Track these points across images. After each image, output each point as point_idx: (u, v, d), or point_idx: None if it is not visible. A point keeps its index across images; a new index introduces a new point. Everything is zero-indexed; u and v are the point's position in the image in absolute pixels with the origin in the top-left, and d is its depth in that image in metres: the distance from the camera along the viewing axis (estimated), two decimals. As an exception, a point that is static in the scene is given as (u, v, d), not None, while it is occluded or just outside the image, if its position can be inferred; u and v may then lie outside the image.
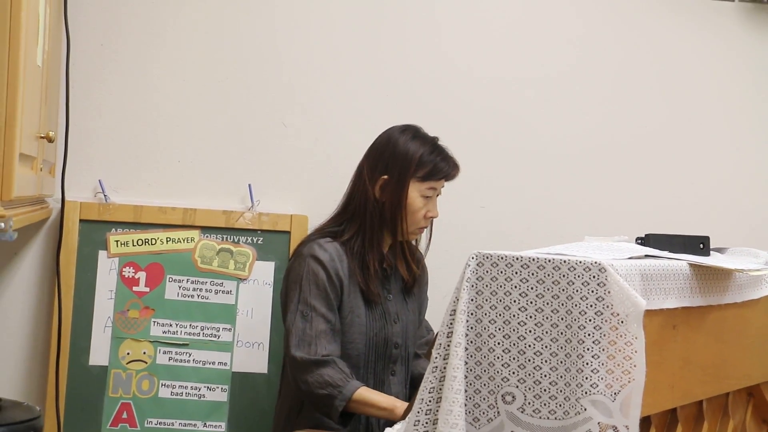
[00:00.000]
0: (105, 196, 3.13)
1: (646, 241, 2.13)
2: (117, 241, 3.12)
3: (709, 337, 2.01)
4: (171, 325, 3.12)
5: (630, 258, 1.81)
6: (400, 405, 2.51)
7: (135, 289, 3.11)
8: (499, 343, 1.69)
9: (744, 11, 3.59)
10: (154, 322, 3.11)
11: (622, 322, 1.62)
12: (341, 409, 2.51)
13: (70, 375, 3.05)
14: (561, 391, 1.64)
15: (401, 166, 2.68)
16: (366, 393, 2.53)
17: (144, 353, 3.10)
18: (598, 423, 1.61)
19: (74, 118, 3.05)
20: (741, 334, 2.18)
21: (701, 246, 2.18)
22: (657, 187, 3.52)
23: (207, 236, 3.16)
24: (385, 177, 2.69)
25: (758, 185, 3.59)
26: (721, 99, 3.59)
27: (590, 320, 1.62)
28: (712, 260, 2.01)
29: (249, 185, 3.20)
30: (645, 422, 1.74)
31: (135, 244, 3.13)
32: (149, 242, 3.13)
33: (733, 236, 3.18)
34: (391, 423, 2.68)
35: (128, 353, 3.09)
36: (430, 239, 2.86)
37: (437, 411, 1.71)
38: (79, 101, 3.10)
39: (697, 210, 3.51)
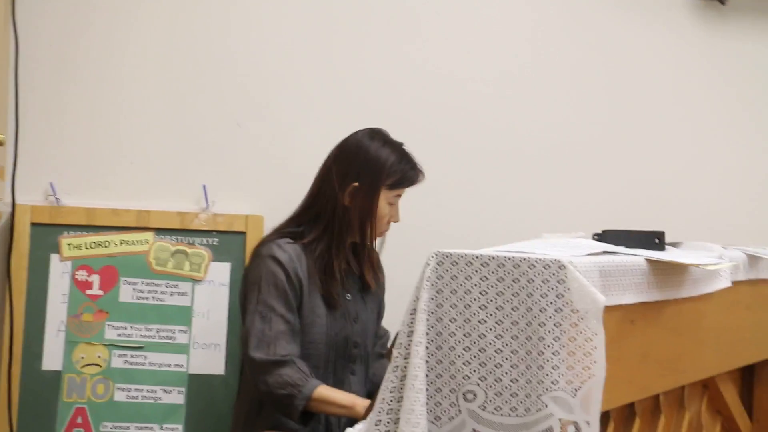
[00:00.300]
0: (56, 198, 3.09)
1: (602, 237, 2.14)
2: (69, 244, 3.08)
3: (666, 331, 2.02)
4: (126, 328, 3.08)
5: (588, 255, 1.82)
6: (360, 402, 2.51)
7: (88, 292, 3.08)
8: (459, 342, 1.69)
9: (693, 7, 3.62)
10: (109, 325, 3.08)
11: (582, 318, 1.62)
12: (302, 408, 2.50)
13: (23, 380, 3.01)
14: (522, 388, 1.64)
15: (373, 175, 2.68)
16: (325, 391, 2.52)
17: (98, 357, 3.06)
18: (559, 419, 1.61)
19: (24, 120, 3.02)
20: (696, 328, 2.20)
21: (656, 241, 2.19)
22: (612, 182, 3.54)
23: (161, 238, 3.14)
24: (356, 184, 2.69)
25: (711, 179, 3.63)
26: (673, 94, 3.62)
27: (550, 317, 1.62)
28: (668, 255, 2.03)
29: (203, 186, 3.18)
30: (604, 417, 1.75)
31: (88, 246, 3.09)
32: (102, 245, 3.10)
33: (687, 230, 3.22)
34: (352, 422, 2.68)
35: (82, 357, 3.05)
36: (383, 240, 2.87)
37: (399, 410, 1.71)
38: (28, 103, 3.06)
39: (652, 205, 3.54)
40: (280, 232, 2.73)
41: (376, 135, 2.75)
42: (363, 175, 2.69)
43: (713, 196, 3.62)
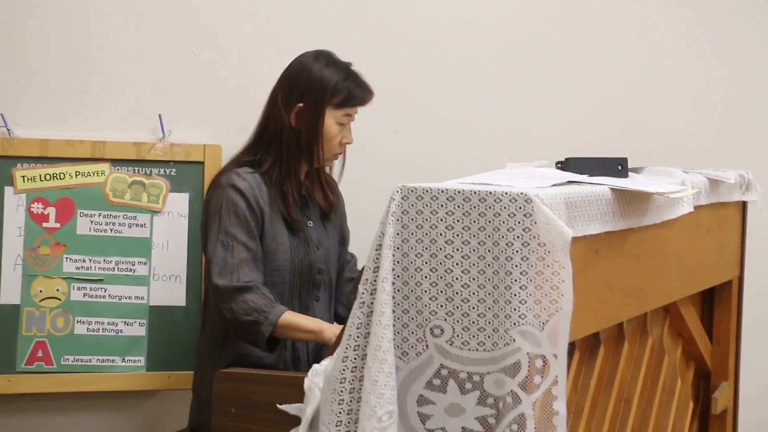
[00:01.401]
0: (8, 130, 3.03)
1: (565, 165, 2.13)
2: (23, 177, 3.02)
3: (630, 259, 2.03)
4: (84, 261, 3.05)
5: (553, 185, 1.81)
6: (327, 327, 2.51)
7: (45, 225, 3.04)
8: (426, 277, 1.68)
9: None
10: (67, 258, 3.04)
11: (548, 252, 1.61)
12: (268, 334, 2.50)
13: (-20, 315, 2.98)
14: (489, 322, 1.64)
15: (317, 94, 2.66)
16: (291, 317, 2.52)
17: (57, 290, 3.03)
18: (527, 353, 1.61)
19: (-28, 50, 2.94)
20: (659, 254, 2.21)
21: (619, 168, 2.19)
22: (572, 108, 3.52)
23: (118, 169, 3.09)
24: (301, 105, 2.66)
25: (671, 103, 3.62)
26: (634, 17, 3.59)
27: (517, 251, 1.61)
28: (633, 183, 2.02)
29: (159, 116, 3.12)
30: (569, 347, 1.75)
31: (43, 179, 3.04)
32: (58, 177, 3.05)
33: (647, 153, 3.22)
34: (318, 349, 2.69)
35: (41, 291, 3.02)
36: (343, 166, 2.85)
37: (365, 346, 1.70)
38: (-24, 32, 2.98)
39: (612, 128, 3.53)
40: (239, 161, 2.71)
41: (321, 55, 2.72)
42: (307, 95, 2.67)
43: (674, 119, 3.62)
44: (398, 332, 1.70)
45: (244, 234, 2.59)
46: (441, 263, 1.67)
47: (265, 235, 2.64)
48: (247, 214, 2.60)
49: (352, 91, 2.68)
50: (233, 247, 2.57)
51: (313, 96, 2.66)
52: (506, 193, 1.63)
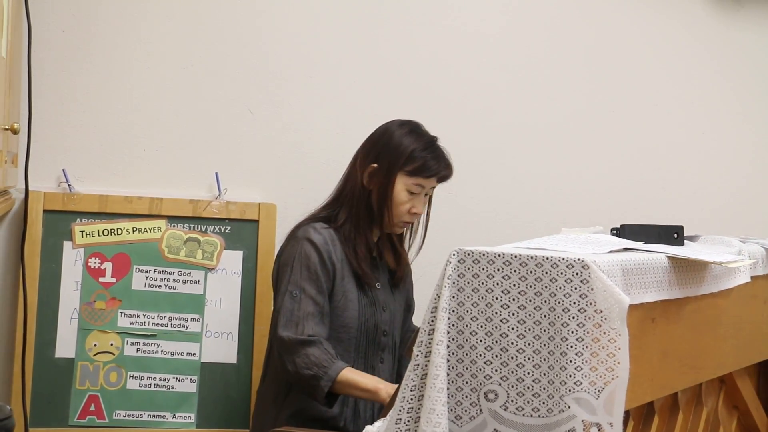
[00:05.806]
0: (69, 185, 3.08)
1: (621, 231, 2.12)
2: (82, 232, 3.07)
3: (686, 328, 2.01)
4: (138, 316, 3.08)
5: (610, 252, 1.81)
6: (383, 387, 2.52)
7: (101, 279, 3.07)
8: (481, 341, 1.68)
9: (708, -1, 3.60)
10: (122, 313, 3.07)
11: (605, 318, 1.61)
12: (327, 389, 2.50)
13: (36, 368, 3.00)
14: (544, 388, 1.63)
15: (391, 157, 2.70)
16: (350, 374, 2.53)
17: (111, 345, 3.06)
18: (582, 421, 1.60)
19: (37, 107, 2.99)
20: (715, 324, 2.18)
21: (675, 235, 2.18)
22: (627, 174, 3.51)
23: (174, 226, 3.13)
24: (375, 165, 2.71)
25: (728, 171, 3.60)
26: (689, 84, 3.59)
27: (573, 317, 1.61)
28: (690, 252, 2.01)
29: (216, 174, 3.17)
30: (624, 416, 1.73)
31: (101, 234, 3.08)
32: (115, 232, 3.09)
33: (704, 222, 3.20)
34: (381, 406, 2.68)
35: (95, 345, 3.05)
36: (423, 239, 2.87)
37: (419, 409, 1.70)
38: (41, 90, 3.04)
39: (668, 197, 3.51)
40: (315, 217, 2.75)
41: (407, 124, 2.78)
42: (382, 157, 2.71)
43: (731, 187, 3.60)
44: (452, 395, 1.70)
45: (314, 288, 2.62)
46: (496, 327, 1.67)
47: (335, 291, 2.67)
48: (318, 269, 2.63)
49: (427, 162, 2.71)
50: (301, 300, 2.60)
51: (387, 159, 2.70)
52: (563, 259, 1.64)
